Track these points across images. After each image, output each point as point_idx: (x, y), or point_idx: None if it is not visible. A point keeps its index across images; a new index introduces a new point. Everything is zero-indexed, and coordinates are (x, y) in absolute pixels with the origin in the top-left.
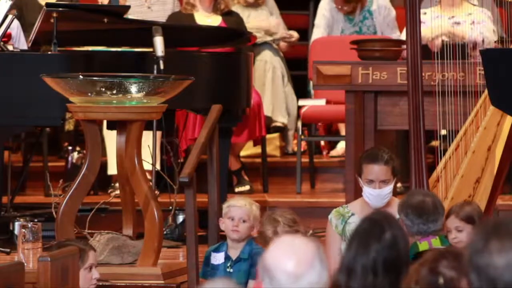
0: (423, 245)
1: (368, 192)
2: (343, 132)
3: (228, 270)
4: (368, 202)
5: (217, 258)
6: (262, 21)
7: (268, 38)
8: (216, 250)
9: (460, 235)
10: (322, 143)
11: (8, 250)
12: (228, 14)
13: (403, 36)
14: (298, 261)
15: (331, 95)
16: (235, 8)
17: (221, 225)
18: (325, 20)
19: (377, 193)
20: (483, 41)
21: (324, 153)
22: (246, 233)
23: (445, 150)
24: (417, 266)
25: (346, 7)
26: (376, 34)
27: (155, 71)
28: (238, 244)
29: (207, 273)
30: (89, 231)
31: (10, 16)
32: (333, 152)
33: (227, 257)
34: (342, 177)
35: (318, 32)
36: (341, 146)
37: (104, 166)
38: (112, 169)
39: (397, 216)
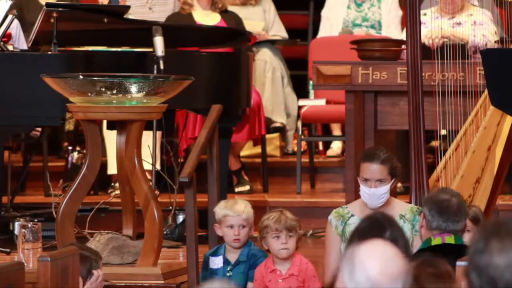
0: (436, 240)
1: (364, 191)
2: (335, 132)
3: (227, 274)
4: (364, 201)
5: (216, 262)
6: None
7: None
8: (214, 253)
9: (467, 235)
10: (321, 147)
11: (8, 250)
12: (226, 12)
13: (403, 36)
14: (383, 271)
15: (331, 95)
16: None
17: (217, 231)
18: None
19: (372, 192)
20: (486, 44)
21: (322, 158)
22: (246, 237)
23: (445, 150)
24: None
25: None
26: (381, 21)
27: (155, 71)
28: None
29: (206, 278)
30: (89, 231)
31: (10, 16)
32: (330, 152)
33: (226, 261)
34: (342, 177)
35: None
36: (337, 146)
37: (104, 166)
38: (112, 169)
39: (397, 217)
